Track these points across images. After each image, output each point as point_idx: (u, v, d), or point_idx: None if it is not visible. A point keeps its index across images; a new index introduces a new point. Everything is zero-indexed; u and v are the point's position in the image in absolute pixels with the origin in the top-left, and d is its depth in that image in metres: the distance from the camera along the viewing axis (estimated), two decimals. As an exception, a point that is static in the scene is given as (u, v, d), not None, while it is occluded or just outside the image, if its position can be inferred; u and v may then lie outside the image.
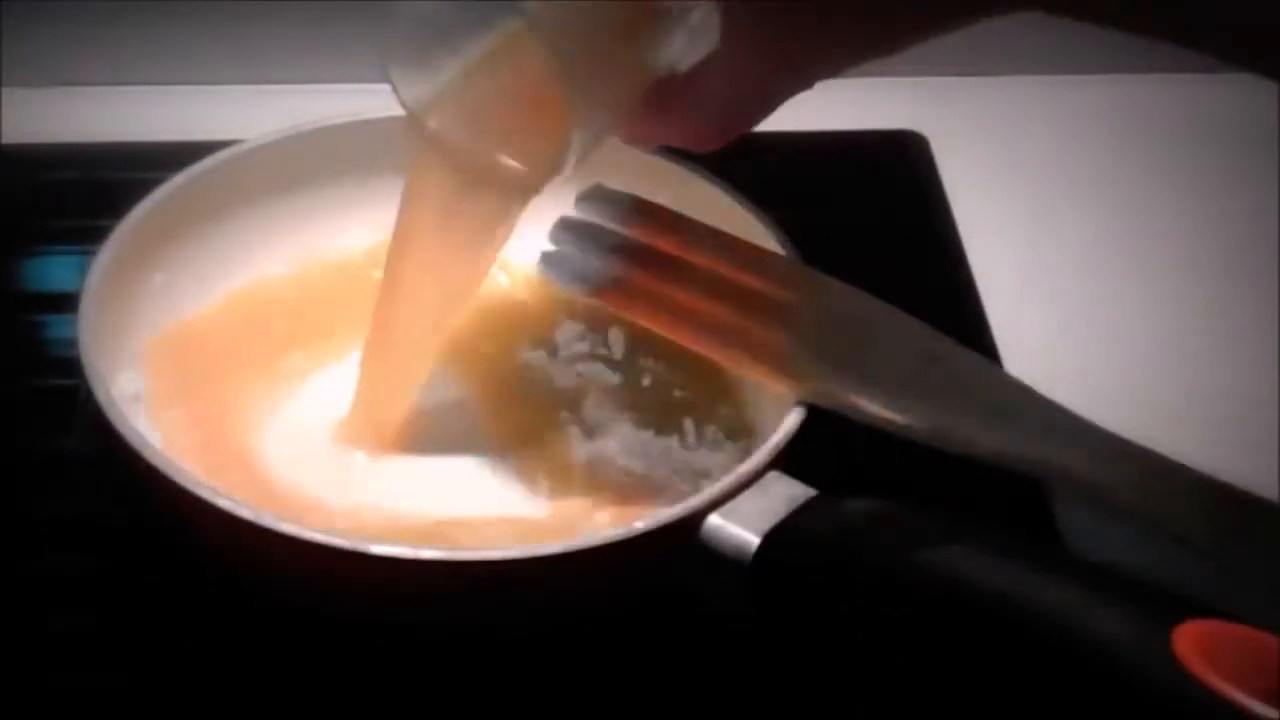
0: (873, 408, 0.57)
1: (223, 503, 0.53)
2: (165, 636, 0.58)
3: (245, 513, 0.53)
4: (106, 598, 0.60)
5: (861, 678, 0.56)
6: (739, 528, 0.53)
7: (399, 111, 0.57)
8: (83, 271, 0.60)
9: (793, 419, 0.57)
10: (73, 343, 0.58)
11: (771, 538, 0.53)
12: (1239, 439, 0.69)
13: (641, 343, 0.65)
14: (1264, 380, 0.71)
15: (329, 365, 0.65)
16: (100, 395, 0.56)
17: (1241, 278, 0.76)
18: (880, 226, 0.76)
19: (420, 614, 0.55)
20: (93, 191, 0.69)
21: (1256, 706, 0.42)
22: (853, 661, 0.55)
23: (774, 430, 0.57)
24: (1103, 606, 0.47)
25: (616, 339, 0.65)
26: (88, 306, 0.59)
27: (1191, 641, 0.44)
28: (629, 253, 0.61)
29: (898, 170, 0.79)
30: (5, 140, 0.75)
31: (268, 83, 0.82)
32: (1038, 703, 0.47)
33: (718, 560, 0.53)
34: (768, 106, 0.54)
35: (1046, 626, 0.47)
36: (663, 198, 0.63)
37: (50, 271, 0.70)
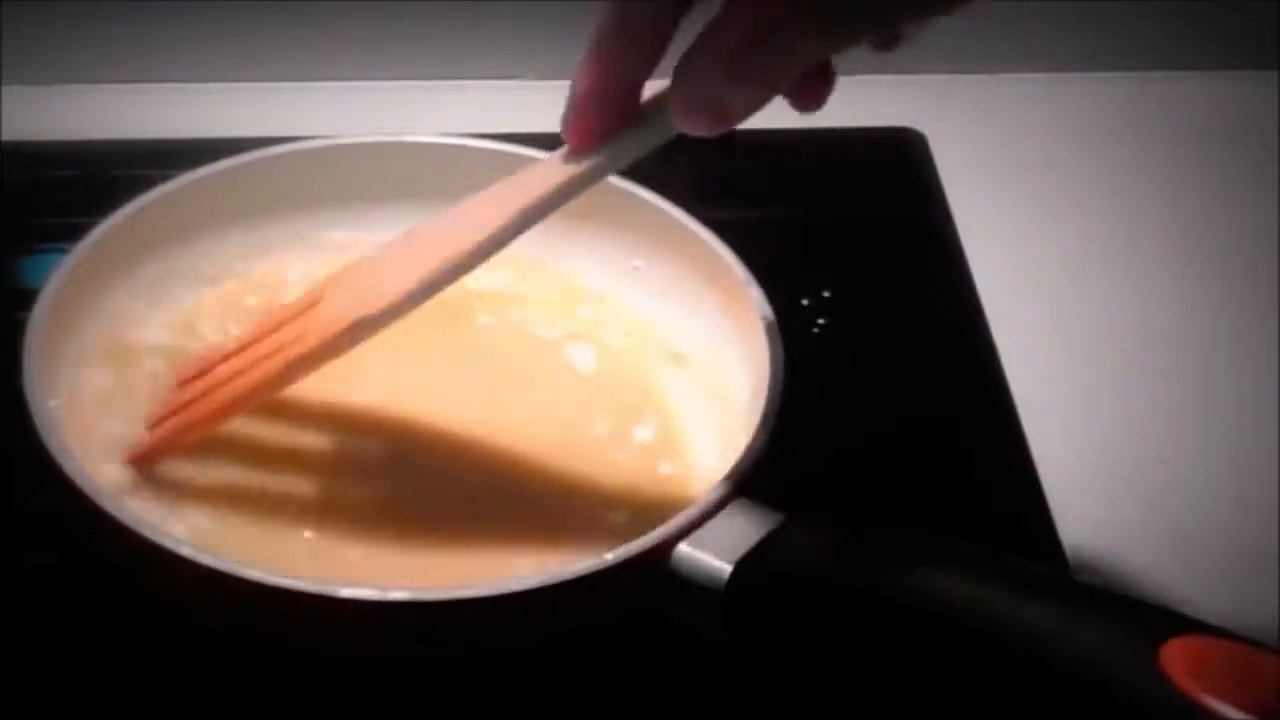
0: None
1: (208, 561, 0.51)
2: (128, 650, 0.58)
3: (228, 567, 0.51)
4: (92, 596, 0.60)
5: (839, 702, 0.55)
6: (709, 555, 0.53)
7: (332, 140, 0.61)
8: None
9: (756, 444, 0.56)
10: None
11: (743, 564, 0.52)
12: (1238, 437, 0.69)
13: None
14: (1264, 379, 0.71)
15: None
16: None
17: (1241, 276, 0.76)
18: (879, 224, 0.76)
19: (387, 655, 0.54)
20: (92, 189, 0.69)
21: (1246, 721, 0.42)
22: (830, 686, 0.54)
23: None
24: (1087, 623, 0.46)
25: None
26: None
27: (1179, 657, 0.43)
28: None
29: (896, 168, 0.79)
30: (5, 137, 0.75)
31: (268, 82, 0.82)
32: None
33: (690, 589, 0.53)
34: (790, 67, 0.48)
35: (1029, 644, 0.46)
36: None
37: (48, 268, 0.69)
